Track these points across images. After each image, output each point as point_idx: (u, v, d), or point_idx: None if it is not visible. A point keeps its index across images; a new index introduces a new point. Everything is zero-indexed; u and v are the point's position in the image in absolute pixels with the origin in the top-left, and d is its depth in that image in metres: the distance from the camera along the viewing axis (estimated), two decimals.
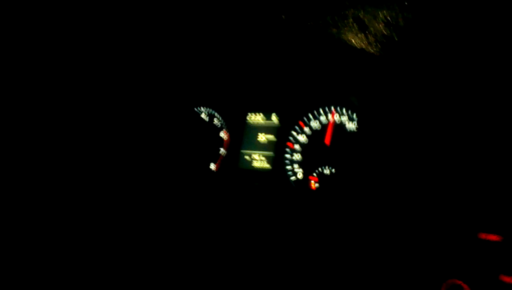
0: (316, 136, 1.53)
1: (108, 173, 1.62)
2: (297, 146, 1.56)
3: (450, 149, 1.20)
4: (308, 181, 1.50)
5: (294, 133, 1.58)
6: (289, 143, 1.58)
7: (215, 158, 1.73)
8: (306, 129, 1.56)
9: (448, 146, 1.21)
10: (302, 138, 1.56)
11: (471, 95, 1.18)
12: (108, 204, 1.56)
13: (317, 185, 1.48)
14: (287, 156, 1.57)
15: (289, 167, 1.56)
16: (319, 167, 1.49)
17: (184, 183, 1.70)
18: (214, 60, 1.63)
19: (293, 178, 1.54)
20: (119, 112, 1.69)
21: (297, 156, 1.55)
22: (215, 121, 1.78)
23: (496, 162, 1.09)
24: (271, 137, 1.63)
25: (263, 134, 1.65)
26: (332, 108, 1.51)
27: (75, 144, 1.54)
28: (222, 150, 1.73)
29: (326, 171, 1.47)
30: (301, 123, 1.57)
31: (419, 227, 1.17)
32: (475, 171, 1.12)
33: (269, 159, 1.61)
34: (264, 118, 1.66)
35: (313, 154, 1.52)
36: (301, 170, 1.53)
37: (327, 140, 1.49)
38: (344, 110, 1.49)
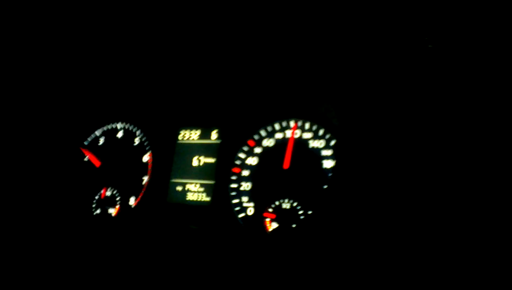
0: (270, 158, 1.20)
1: None
2: (245, 172, 1.21)
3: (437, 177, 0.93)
4: (262, 219, 1.13)
5: (241, 154, 1.22)
6: (235, 169, 1.20)
7: (136, 189, 1.30)
8: (257, 149, 1.21)
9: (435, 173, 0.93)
10: (252, 160, 1.20)
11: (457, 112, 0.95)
12: None
13: (273, 224, 1.11)
14: (233, 185, 1.21)
15: (235, 201, 1.20)
16: (275, 199, 1.13)
17: (89, 226, 1.26)
18: (135, 61, 1.26)
19: (241, 215, 1.18)
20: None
21: (246, 185, 1.19)
22: (136, 140, 1.36)
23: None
24: (210, 160, 1.25)
25: (200, 156, 1.27)
26: (292, 122, 1.17)
27: None
28: (145, 179, 1.31)
29: (285, 205, 1.13)
30: (250, 141, 1.20)
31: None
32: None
33: (208, 190, 1.24)
34: (201, 135, 1.28)
35: (267, 182, 1.18)
36: (252, 203, 1.18)
37: (286, 163, 1.14)
38: (307, 125, 1.15)
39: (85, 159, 1.42)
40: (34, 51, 1.30)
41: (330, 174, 1.10)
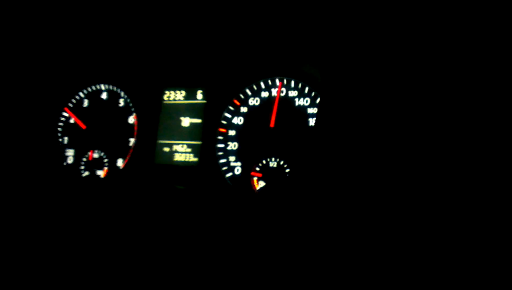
0: (256, 117, 1.18)
1: None
2: (232, 132, 1.19)
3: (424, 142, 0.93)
4: (250, 178, 1.13)
5: (227, 114, 1.20)
6: (221, 129, 1.19)
7: (123, 151, 1.29)
8: (243, 108, 1.19)
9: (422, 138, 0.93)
10: (238, 120, 1.18)
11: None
12: None
13: (261, 183, 1.11)
14: (220, 145, 1.19)
15: (223, 160, 1.18)
16: (262, 158, 1.12)
17: (77, 186, 1.26)
18: (116, 21, 1.21)
19: (229, 174, 1.17)
20: None
21: (232, 145, 1.18)
22: (121, 102, 1.33)
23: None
24: (196, 120, 1.23)
25: (186, 117, 1.25)
26: (277, 80, 1.15)
27: None
28: (132, 141, 1.30)
29: (272, 164, 1.12)
30: (235, 101, 1.18)
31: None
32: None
33: (195, 150, 1.22)
34: (187, 95, 1.26)
35: (253, 142, 1.17)
36: (239, 163, 1.17)
37: (272, 122, 1.13)
38: (293, 83, 1.14)
39: (71, 121, 1.39)
40: (18, 12, 1.25)
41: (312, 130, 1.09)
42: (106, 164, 1.32)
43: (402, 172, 0.92)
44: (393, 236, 0.88)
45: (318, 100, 1.11)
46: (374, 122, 0.95)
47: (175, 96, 1.28)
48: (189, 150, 1.24)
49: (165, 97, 1.29)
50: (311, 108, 1.11)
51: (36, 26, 1.28)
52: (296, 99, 1.13)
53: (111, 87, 1.36)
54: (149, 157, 1.27)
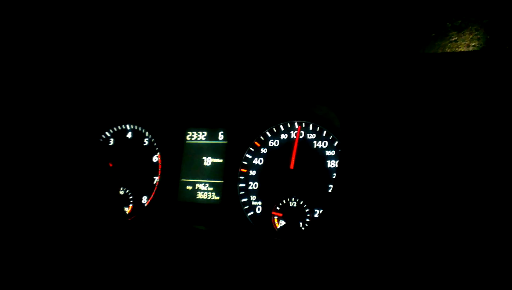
0: (276, 158, 1.23)
1: None
2: (252, 172, 1.24)
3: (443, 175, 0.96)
4: (270, 217, 1.17)
5: (248, 155, 1.25)
6: (242, 169, 1.24)
7: (148, 189, 1.35)
8: (263, 149, 1.24)
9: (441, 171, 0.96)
10: (258, 161, 1.23)
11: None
12: None
13: (281, 222, 1.15)
14: (241, 185, 1.24)
15: (244, 200, 1.23)
16: (282, 198, 1.17)
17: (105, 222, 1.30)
18: (142, 63, 1.27)
19: (250, 213, 1.21)
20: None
21: (253, 185, 1.22)
22: (145, 141, 1.39)
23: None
24: (218, 160, 1.28)
25: (208, 157, 1.30)
26: (296, 123, 1.20)
27: None
28: (156, 179, 1.35)
29: (292, 204, 1.16)
30: (256, 142, 1.24)
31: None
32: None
33: (217, 189, 1.27)
34: (208, 135, 1.31)
35: (273, 182, 1.21)
36: (259, 202, 1.21)
37: (292, 163, 1.18)
38: (311, 126, 1.19)
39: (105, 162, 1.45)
40: (46, 52, 1.31)
41: (333, 174, 1.13)
42: (131, 201, 1.38)
43: (423, 214, 0.95)
44: (415, 279, 0.91)
45: (335, 143, 1.15)
46: (392, 167, 0.99)
47: (198, 136, 1.33)
48: (211, 188, 1.28)
49: (187, 137, 1.35)
50: (329, 151, 1.16)
51: (67, 66, 1.34)
52: (314, 142, 1.18)
53: (135, 127, 1.42)
54: (173, 195, 1.32)
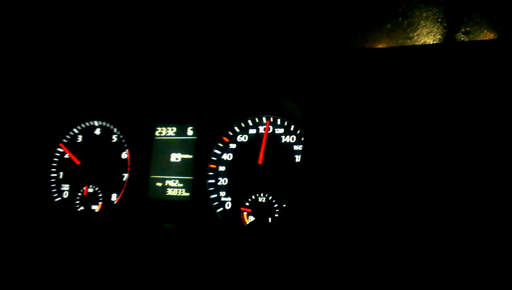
0: (245, 153, 1.22)
1: None
2: (222, 168, 1.23)
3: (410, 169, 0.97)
4: (240, 213, 1.16)
5: (216, 150, 1.23)
6: (211, 165, 1.23)
7: (117, 186, 1.33)
8: (232, 145, 1.23)
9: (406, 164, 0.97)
10: (227, 156, 1.22)
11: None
12: None
13: (251, 217, 1.15)
14: (211, 181, 1.23)
15: (213, 196, 1.22)
16: (251, 194, 1.16)
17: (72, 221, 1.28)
18: (110, 59, 1.24)
19: (219, 209, 1.21)
20: None
21: (223, 181, 1.22)
22: (114, 138, 1.37)
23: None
24: (188, 156, 1.27)
25: (177, 153, 1.29)
26: (265, 118, 1.19)
27: None
28: (125, 176, 1.33)
29: (261, 199, 1.16)
30: (224, 138, 1.23)
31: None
32: None
33: (187, 185, 1.26)
34: (178, 131, 1.30)
35: (243, 177, 1.21)
36: (229, 198, 1.20)
37: (260, 158, 1.17)
38: (279, 121, 1.18)
39: (66, 156, 1.42)
40: (11, 49, 1.27)
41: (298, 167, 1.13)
42: (101, 199, 1.36)
43: (386, 205, 0.96)
44: (382, 269, 0.92)
45: (303, 138, 1.15)
46: (353, 159, 0.99)
47: (167, 132, 1.32)
48: (180, 185, 1.27)
49: (156, 133, 1.33)
50: (297, 146, 1.16)
51: (32, 62, 1.31)
52: (283, 137, 1.18)
53: (104, 123, 1.40)
54: (142, 192, 1.31)
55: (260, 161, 1.18)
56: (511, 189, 0.87)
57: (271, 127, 1.19)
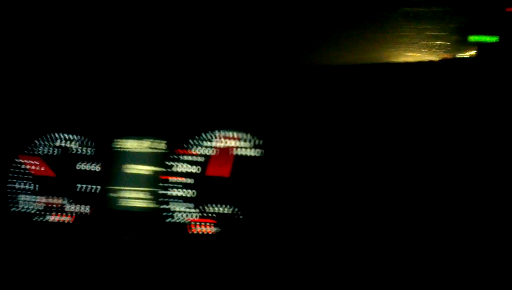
0: (207, 165, 1.25)
1: None
2: (184, 179, 1.24)
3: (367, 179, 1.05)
4: (202, 225, 1.19)
5: (178, 162, 1.25)
6: (175, 176, 1.24)
7: (83, 198, 1.32)
8: (194, 157, 1.25)
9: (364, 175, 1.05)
10: (189, 168, 1.24)
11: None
12: None
13: (215, 229, 1.18)
14: (172, 193, 1.24)
15: (177, 208, 1.24)
16: (214, 205, 1.19)
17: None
18: (73, 70, 1.24)
19: (182, 221, 1.22)
20: None
21: (185, 192, 1.23)
22: (78, 149, 1.35)
23: None
24: (148, 167, 1.28)
25: (140, 164, 1.29)
26: (228, 131, 1.23)
27: None
28: (86, 187, 1.32)
29: (224, 210, 1.18)
30: (186, 150, 1.25)
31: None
32: None
33: (147, 197, 1.26)
34: (137, 144, 1.30)
35: (205, 190, 1.24)
36: (191, 210, 1.22)
37: (222, 171, 1.20)
38: (242, 134, 1.22)
39: (29, 167, 1.37)
40: None
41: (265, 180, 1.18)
42: (64, 211, 1.33)
43: (347, 211, 1.03)
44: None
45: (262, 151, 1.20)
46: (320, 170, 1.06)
47: (130, 144, 1.31)
48: (141, 196, 1.28)
49: (119, 145, 1.32)
50: (260, 158, 1.20)
51: None
52: (246, 150, 1.21)
53: (69, 134, 1.36)
54: (105, 203, 1.30)
55: (225, 174, 1.21)
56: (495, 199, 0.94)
57: (233, 140, 1.22)
